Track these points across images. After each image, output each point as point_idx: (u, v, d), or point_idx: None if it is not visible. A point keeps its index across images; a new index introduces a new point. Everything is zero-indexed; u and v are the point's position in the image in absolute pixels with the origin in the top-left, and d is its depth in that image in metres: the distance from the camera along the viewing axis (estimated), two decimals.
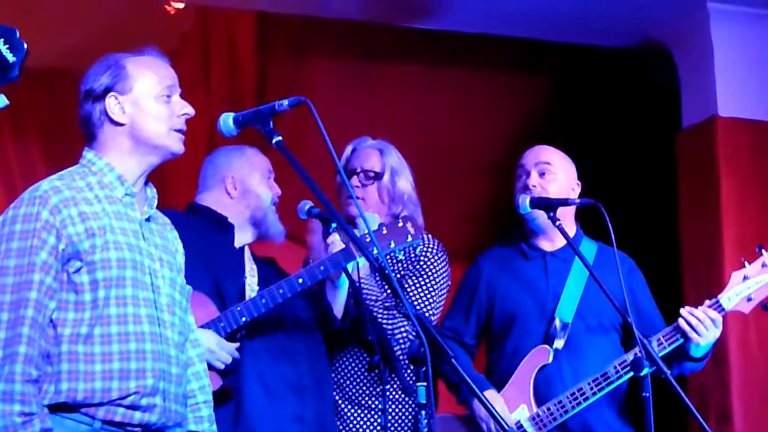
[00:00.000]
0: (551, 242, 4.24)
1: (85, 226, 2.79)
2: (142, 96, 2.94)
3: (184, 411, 2.99)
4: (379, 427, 4.21)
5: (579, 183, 4.27)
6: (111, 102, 2.91)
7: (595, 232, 4.20)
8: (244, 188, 4.01)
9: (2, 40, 2.08)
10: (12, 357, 2.66)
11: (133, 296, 2.82)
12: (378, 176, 4.30)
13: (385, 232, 3.75)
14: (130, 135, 2.92)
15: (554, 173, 4.19)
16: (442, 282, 4.28)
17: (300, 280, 3.70)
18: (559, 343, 4.08)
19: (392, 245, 3.74)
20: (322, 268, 3.71)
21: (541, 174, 4.19)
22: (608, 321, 4.14)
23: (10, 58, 2.09)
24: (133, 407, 2.78)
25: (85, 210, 2.81)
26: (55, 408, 2.73)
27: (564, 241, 4.12)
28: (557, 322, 4.09)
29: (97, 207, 2.84)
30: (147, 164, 2.97)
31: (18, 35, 2.10)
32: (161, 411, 2.85)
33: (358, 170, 4.32)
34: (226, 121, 3.04)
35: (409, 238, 3.74)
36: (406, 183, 4.33)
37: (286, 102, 2.96)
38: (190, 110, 3.00)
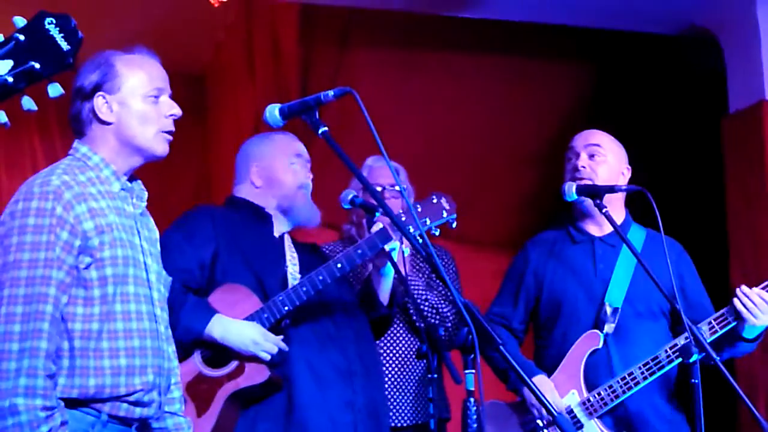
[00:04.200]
0: (600, 227, 4.22)
1: (95, 223, 2.79)
2: (129, 95, 2.91)
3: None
4: (424, 411, 4.23)
5: (629, 168, 4.24)
6: (99, 101, 2.89)
7: (646, 217, 4.18)
8: (268, 177, 3.98)
9: (58, 28, 2.10)
10: (33, 351, 2.65)
11: (135, 293, 2.84)
12: (400, 192, 4.35)
13: (419, 209, 3.73)
14: (117, 134, 2.91)
15: (604, 155, 4.17)
16: (457, 286, 4.47)
17: (339, 265, 3.70)
18: (609, 328, 4.06)
19: (428, 222, 3.71)
20: (359, 251, 3.71)
21: (591, 156, 4.17)
22: (657, 306, 4.11)
23: (65, 45, 2.10)
24: (136, 404, 2.82)
25: (93, 206, 2.80)
26: (66, 402, 2.73)
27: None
28: (607, 308, 4.07)
29: (102, 203, 2.83)
30: (130, 165, 2.95)
31: (74, 24, 2.12)
32: (158, 406, 2.91)
33: (383, 186, 4.40)
34: (272, 112, 3.05)
35: (445, 214, 3.71)
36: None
37: (331, 92, 2.96)
38: (177, 111, 2.98)
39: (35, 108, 2.12)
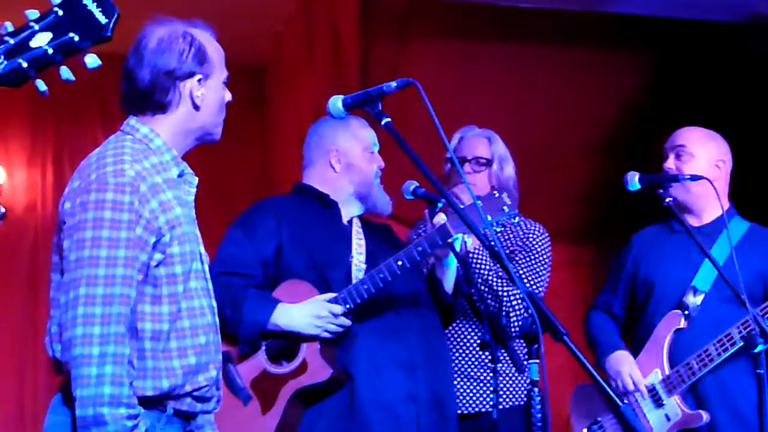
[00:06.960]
0: (698, 218, 4.32)
1: (166, 218, 2.65)
2: (216, 81, 2.84)
3: None
4: (487, 399, 4.23)
5: (724, 160, 4.33)
6: (196, 85, 2.79)
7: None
8: (348, 163, 3.99)
9: (95, 3, 2.13)
10: (116, 358, 2.52)
11: (197, 288, 2.73)
12: (488, 163, 4.38)
13: (480, 204, 3.67)
14: (197, 118, 2.81)
15: (690, 153, 4.28)
16: (547, 260, 4.40)
17: (399, 263, 3.69)
18: (693, 310, 4.18)
19: (489, 218, 3.62)
20: (419, 248, 3.69)
21: (678, 156, 4.28)
22: (749, 293, 4.12)
23: (103, 19, 2.12)
24: (199, 399, 2.74)
25: (162, 199, 2.66)
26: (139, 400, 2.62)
27: (713, 216, 4.24)
28: (693, 290, 4.19)
29: (168, 194, 2.69)
30: (188, 147, 2.85)
31: None
32: (217, 400, 2.83)
33: (469, 158, 4.39)
34: (335, 103, 3.05)
35: (506, 209, 3.65)
36: (511, 170, 4.42)
37: (394, 83, 2.95)
38: (230, 97, 2.91)
39: (73, 78, 2.14)
